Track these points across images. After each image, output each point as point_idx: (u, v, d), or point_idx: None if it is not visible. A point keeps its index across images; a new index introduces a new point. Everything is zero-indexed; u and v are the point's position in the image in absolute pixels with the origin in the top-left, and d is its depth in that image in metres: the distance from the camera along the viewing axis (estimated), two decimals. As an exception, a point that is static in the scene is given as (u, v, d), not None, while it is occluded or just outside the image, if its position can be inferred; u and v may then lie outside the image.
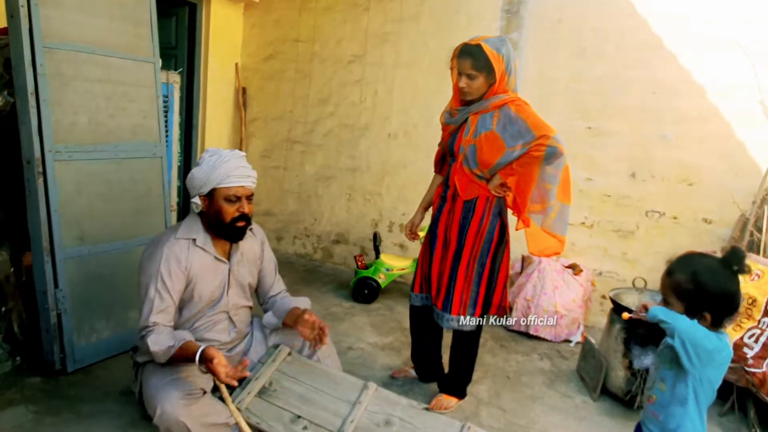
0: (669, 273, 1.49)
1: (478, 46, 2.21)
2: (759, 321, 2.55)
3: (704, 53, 3.41)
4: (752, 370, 2.44)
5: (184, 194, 4.30)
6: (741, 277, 2.56)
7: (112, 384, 2.47)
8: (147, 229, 2.86)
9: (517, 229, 2.46)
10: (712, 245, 3.44)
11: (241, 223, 1.97)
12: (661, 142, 3.57)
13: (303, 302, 2.23)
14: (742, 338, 2.56)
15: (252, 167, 2.03)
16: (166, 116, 3.50)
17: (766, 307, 2.53)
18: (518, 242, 2.66)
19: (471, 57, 2.23)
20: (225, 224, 1.95)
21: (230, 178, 1.90)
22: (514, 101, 2.29)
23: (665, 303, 1.50)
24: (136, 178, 2.85)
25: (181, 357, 1.77)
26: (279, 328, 2.20)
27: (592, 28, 3.69)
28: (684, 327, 1.40)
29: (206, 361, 1.69)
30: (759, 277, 2.71)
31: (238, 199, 1.94)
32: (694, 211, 3.53)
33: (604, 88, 3.69)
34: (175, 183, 3.77)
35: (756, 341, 2.49)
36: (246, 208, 1.97)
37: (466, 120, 2.35)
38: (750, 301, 2.63)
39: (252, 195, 2.02)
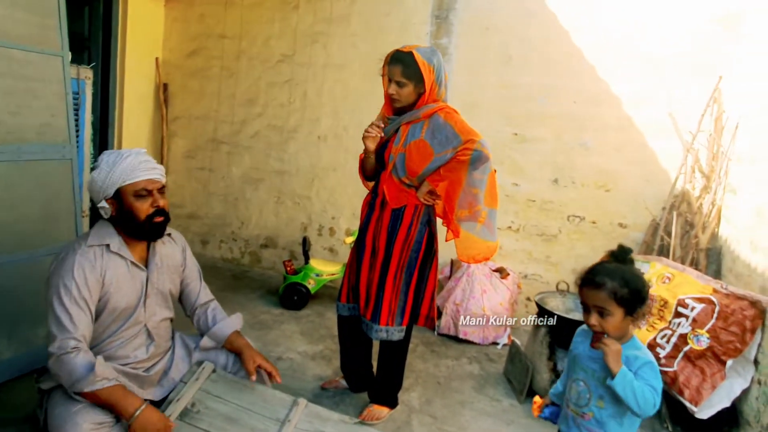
0: (598, 286, 1.53)
1: (410, 54, 2.20)
2: (670, 322, 2.70)
3: (620, 65, 3.59)
4: (664, 369, 2.58)
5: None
6: (654, 281, 2.72)
7: (15, 409, 2.26)
8: (55, 238, 2.64)
9: (447, 240, 2.47)
10: (628, 248, 3.62)
11: (158, 219, 1.84)
12: (582, 150, 3.73)
13: (235, 321, 2.13)
14: (655, 339, 2.71)
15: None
16: (76, 114, 3.25)
17: (676, 308, 2.68)
18: (448, 247, 2.67)
19: (402, 64, 2.22)
20: (140, 223, 1.81)
21: (135, 172, 1.77)
22: (443, 109, 2.30)
23: (599, 314, 1.54)
24: (43, 182, 2.62)
25: (107, 399, 1.66)
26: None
27: (518, 37, 3.79)
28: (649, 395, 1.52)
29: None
30: (669, 279, 2.88)
31: (149, 193, 1.81)
32: (610, 216, 3.71)
33: (529, 95, 3.80)
34: (86, 186, 3.51)
35: (668, 342, 2.64)
36: (161, 202, 1.84)
37: (397, 130, 2.34)
38: (662, 303, 2.78)
39: (164, 188, 1.88)
